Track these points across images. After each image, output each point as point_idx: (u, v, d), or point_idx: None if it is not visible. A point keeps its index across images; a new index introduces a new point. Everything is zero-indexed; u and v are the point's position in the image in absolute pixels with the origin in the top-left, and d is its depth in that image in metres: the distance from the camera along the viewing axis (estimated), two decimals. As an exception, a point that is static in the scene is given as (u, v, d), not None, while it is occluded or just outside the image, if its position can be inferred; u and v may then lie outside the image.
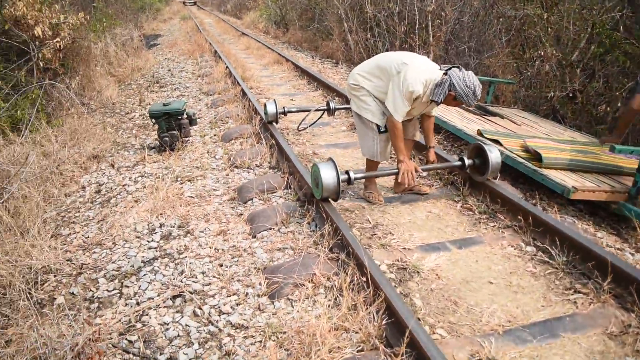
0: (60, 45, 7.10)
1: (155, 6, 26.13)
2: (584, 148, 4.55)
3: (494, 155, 3.87)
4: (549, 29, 6.54)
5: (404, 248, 3.35)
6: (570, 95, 6.29)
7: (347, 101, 6.08)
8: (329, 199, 3.59)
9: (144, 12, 21.60)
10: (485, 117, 5.97)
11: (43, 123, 5.87)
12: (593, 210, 4.05)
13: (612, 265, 2.82)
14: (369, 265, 2.76)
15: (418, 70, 3.54)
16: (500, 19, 7.79)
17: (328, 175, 3.46)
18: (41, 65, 6.92)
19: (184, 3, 41.42)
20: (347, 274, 2.86)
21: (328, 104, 5.86)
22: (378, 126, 3.81)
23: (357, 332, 2.52)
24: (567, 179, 3.99)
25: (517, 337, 2.52)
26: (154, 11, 25.14)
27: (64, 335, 2.53)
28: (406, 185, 3.89)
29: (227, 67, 9.54)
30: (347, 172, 3.68)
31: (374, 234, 3.55)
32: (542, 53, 6.46)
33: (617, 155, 4.37)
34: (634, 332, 2.55)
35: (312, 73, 9.03)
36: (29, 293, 3.06)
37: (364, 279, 2.78)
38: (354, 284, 2.81)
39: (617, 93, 5.83)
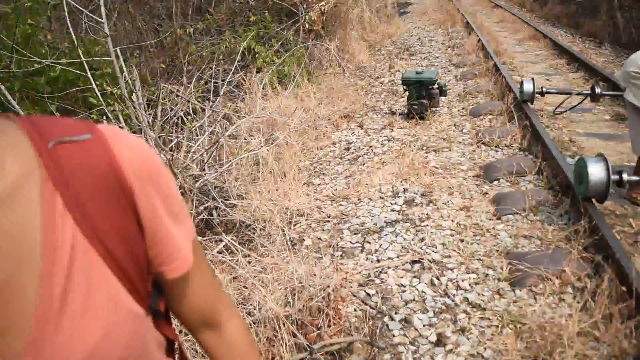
0: (323, 9, 7.64)
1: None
2: None
3: None
4: None
5: (676, 264, 2.90)
6: None
7: (614, 87, 5.42)
8: (593, 200, 3.24)
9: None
10: None
11: (305, 80, 6.43)
12: None
13: None
14: (634, 275, 2.45)
15: None
16: None
17: (597, 174, 3.09)
18: (307, 27, 7.53)
19: None
20: (602, 279, 2.60)
21: (593, 88, 5.28)
22: (661, 122, 3.32)
23: (608, 345, 2.29)
24: None
25: None
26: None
27: (314, 275, 2.79)
28: None
29: (479, 39, 9.20)
30: (619, 173, 3.27)
31: (637, 241, 3.14)
32: None
33: None
34: None
35: (574, 53, 8.20)
36: (283, 230, 3.43)
37: (624, 288, 2.49)
38: (610, 291, 2.54)
39: None
